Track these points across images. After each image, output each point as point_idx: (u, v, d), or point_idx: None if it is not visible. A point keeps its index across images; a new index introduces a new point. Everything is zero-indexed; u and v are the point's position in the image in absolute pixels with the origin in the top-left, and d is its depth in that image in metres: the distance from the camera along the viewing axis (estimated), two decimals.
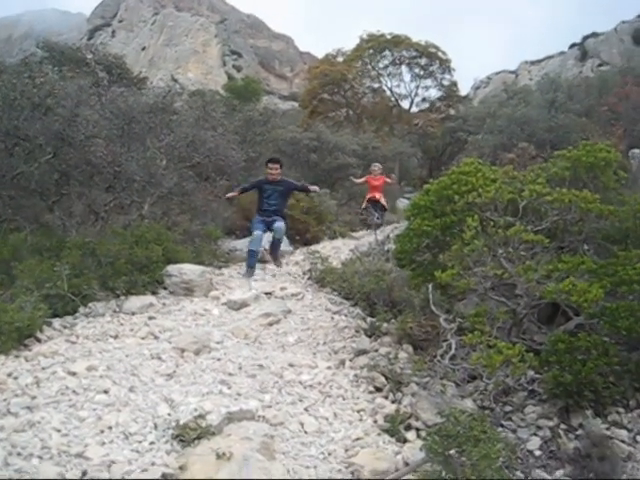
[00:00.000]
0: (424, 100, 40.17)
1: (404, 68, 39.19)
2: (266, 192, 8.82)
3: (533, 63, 68.63)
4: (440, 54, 38.09)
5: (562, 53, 66.07)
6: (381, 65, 39.52)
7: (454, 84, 39.12)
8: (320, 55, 44.33)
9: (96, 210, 9.64)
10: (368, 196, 14.90)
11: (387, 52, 38.77)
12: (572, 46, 64.34)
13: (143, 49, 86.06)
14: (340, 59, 39.47)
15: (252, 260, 8.82)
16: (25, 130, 8.82)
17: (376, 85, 40.22)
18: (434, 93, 39.74)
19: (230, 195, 9.52)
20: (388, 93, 40.42)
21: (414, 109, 40.17)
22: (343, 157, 21.62)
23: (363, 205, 14.93)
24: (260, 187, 8.96)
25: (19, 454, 3.50)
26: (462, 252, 5.63)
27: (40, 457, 3.52)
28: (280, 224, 8.77)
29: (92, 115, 9.63)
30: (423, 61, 38.30)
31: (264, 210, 8.85)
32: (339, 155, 21.64)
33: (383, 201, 15.07)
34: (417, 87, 39.53)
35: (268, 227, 8.81)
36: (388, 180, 15.51)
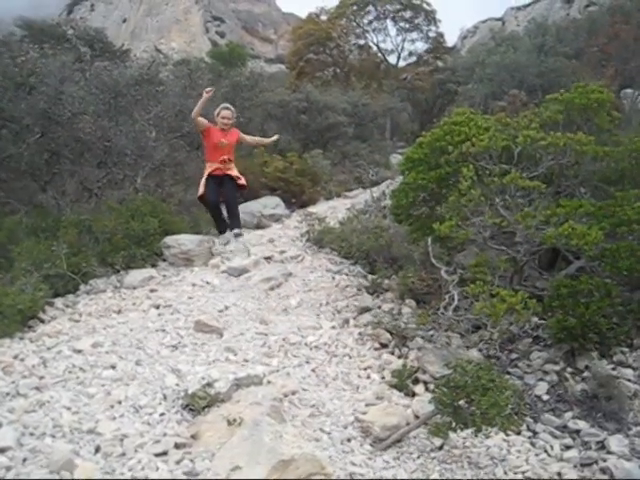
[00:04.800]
0: (411, 54, 39.76)
1: (389, 22, 38.71)
2: None
3: (519, 9, 67.62)
4: (425, 5, 37.56)
5: None
6: (365, 21, 39.02)
7: (440, 35, 38.67)
8: (303, 15, 43.69)
9: (89, 187, 9.58)
10: (210, 168, 8.49)
11: (371, 7, 38.25)
12: None
13: (124, 21, 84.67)
14: (324, 18, 38.92)
15: None
16: (10, 111, 8.73)
17: (362, 42, 39.79)
18: (421, 46, 39.31)
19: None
20: (374, 49, 40.02)
21: (402, 63, 39.81)
22: (333, 116, 21.42)
23: (202, 182, 8.42)
24: None
25: (32, 434, 3.51)
26: (459, 203, 5.61)
27: (53, 436, 3.53)
28: None
29: (77, 91, 9.49)
30: (408, 14, 37.78)
31: None
32: (329, 114, 21.44)
33: (236, 174, 8.62)
34: (403, 41, 39.08)
35: None
36: (250, 140, 9.37)
